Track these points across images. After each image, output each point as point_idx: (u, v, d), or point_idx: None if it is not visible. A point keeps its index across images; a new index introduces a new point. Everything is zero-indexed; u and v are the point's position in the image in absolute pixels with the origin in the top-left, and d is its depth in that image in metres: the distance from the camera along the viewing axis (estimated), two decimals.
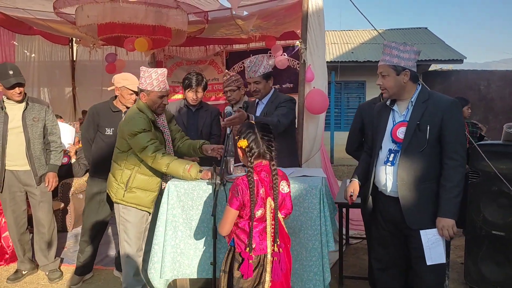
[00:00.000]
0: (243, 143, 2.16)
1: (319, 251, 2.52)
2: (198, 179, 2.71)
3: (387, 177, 2.43)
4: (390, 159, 2.41)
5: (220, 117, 3.99)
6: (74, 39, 7.58)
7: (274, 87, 3.47)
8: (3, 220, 3.85)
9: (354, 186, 2.65)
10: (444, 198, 2.27)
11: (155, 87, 2.86)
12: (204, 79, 3.83)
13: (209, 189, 2.64)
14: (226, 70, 6.65)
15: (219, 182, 2.49)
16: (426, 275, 2.34)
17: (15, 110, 3.53)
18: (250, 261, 2.10)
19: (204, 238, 2.70)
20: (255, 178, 2.11)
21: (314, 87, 3.53)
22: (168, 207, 2.69)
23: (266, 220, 2.14)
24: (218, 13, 5.80)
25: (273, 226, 2.14)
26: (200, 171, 2.72)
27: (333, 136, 11.21)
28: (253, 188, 2.08)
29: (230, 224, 2.14)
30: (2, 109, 3.50)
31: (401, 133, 2.39)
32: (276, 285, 2.13)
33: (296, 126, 3.58)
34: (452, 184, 2.26)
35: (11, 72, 3.39)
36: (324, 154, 5.45)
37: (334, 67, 10.24)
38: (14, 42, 7.12)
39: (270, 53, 7.09)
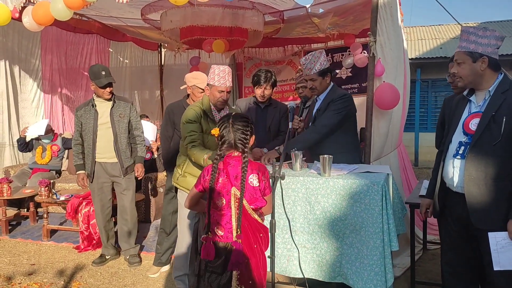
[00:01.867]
0: (215, 131, 2.24)
1: (381, 250, 2.40)
2: None
3: (455, 170, 2.25)
4: (460, 152, 2.23)
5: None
6: (162, 44, 8.08)
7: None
8: (92, 208, 4.24)
9: (427, 203, 2.54)
10: None
11: (215, 82, 3.00)
12: (273, 76, 3.85)
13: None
14: (299, 67, 6.64)
15: (278, 175, 2.50)
16: (497, 281, 2.12)
17: (103, 108, 3.89)
18: (208, 242, 2.16)
19: None
20: (219, 167, 2.18)
21: (384, 81, 3.38)
22: None
23: (231, 210, 2.16)
24: (294, 12, 5.82)
25: (237, 216, 2.15)
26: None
27: (418, 137, 10.57)
28: (214, 175, 2.16)
29: (190, 200, 2.31)
30: (93, 107, 3.87)
31: (474, 124, 2.20)
32: (244, 276, 2.15)
33: (365, 122, 3.46)
34: None
35: (103, 73, 3.77)
36: (403, 154, 5.18)
37: (420, 64, 9.66)
38: (109, 49, 7.81)
39: (349, 51, 6.93)
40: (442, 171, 2.36)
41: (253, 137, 2.30)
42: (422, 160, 10.35)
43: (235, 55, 8.03)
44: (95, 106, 3.88)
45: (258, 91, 3.83)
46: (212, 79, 3.02)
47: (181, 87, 3.76)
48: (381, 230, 2.41)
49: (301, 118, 3.20)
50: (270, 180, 2.49)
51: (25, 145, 5.68)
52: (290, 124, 2.97)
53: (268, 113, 3.89)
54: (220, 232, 2.17)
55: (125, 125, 3.94)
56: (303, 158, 2.89)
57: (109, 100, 3.89)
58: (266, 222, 2.64)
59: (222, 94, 3.03)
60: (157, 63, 8.38)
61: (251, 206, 2.19)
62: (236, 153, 2.21)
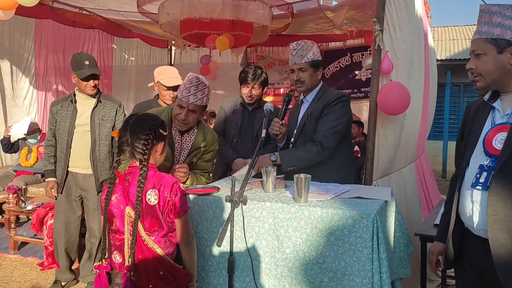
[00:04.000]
0: (115, 133, 1.95)
1: None
2: None
3: (474, 206, 1.60)
4: (481, 180, 1.57)
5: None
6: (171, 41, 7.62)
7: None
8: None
9: (439, 249, 1.89)
10: None
11: (178, 93, 2.41)
12: (264, 74, 3.26)
13: (229, 209, 2.05)
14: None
15: (238, 199, 1.90)
16: None
17: (85, 106, 3.27)
18: (102, 272, 1.89)
19: (220, 269, 2.11)
20: (116, 181, 1.86)
21: (391, 80, 2.72)
22: None
23: (124, 234, 1.83)
24: (303, 4, 5.22)
25: (130, 243, 1.80)
26: None
27: (447, 146, 9.67)
28: (110, 192, 1.85)
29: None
30: (72, 102, 3.25)
31: (499, 141, 1.55)
32: None
33: (367, 130, 2.81)
34: None
35: (86, 63, 3.14)
36: (423, 166, 4.45)
37: (450, 66, 8.81)
38: (114, 46, 7.39)
39: (369, 51, 6.28)
40: (458, 205, 1.70)
41: (161, 143, 1.92)
42: (451, 171, 9.45)
43: (248, 54, 7.50)
44: (75, 102, 3.24)
45: (245, 91, 3.25)
46: (179, 90, 2.42)
47: (149, 85, 3.22)
48: (370, 281, 1.77)
49: (282, 122, 2.58)
50: (226, 201, 1.92)
51: (9, 146, 5.28)
52: (263, 131, 2.33)
53: (257, 117, 3.30)
54: (118, 258, 1.88)
55: (108, 130, 3.29)
56: (279, 176, 2.27)
57: (93, 96, 3.27)
58: (224, 259, 2.06)
59: (181, 111, 2.37)
60: (166, 61, 7.91)
61: (150, 234, 1.82)
62: (137, 163, 1.85)
